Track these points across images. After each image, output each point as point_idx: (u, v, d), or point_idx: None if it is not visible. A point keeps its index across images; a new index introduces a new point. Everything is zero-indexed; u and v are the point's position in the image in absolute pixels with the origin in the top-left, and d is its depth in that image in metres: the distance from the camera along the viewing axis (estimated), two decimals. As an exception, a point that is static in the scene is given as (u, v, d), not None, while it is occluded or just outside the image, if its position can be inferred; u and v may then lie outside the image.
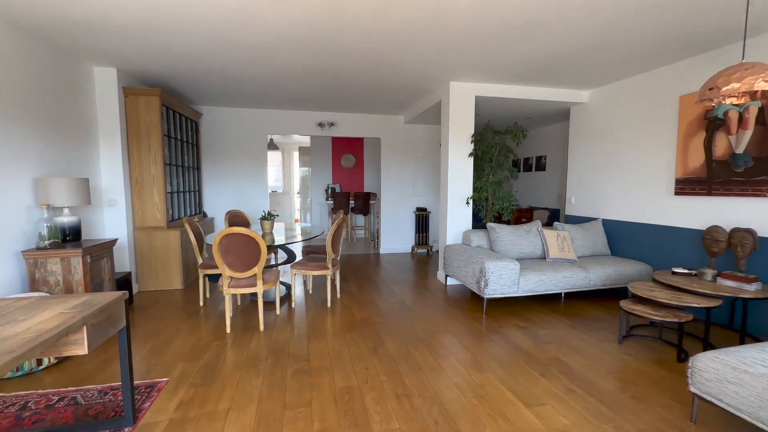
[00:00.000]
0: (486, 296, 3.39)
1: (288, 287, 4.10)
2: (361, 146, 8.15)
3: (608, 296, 4.03)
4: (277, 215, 4.13)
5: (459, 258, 3.88)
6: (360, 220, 8.39)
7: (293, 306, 3.67)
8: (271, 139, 8.29)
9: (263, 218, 3.92)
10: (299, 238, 3.66)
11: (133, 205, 4.10)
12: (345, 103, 5.32)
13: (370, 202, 7.67)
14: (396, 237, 6.59)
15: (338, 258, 3.83)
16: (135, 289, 4.10)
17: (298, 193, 9.91)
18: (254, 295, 3.95)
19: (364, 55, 3.34)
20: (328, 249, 3.53)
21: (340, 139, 8.00)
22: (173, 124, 4.54)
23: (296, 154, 9.85)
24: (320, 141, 7.96)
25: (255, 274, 3.02)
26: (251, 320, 3.30)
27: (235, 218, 4.64)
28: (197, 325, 3.21)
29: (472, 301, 3.84)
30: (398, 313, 3.49)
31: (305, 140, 9.30)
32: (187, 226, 3.56)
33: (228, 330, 3.04)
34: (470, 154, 4.32)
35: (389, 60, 3.48)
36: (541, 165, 6.70)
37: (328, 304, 3.69)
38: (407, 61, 3.50)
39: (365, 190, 8.27)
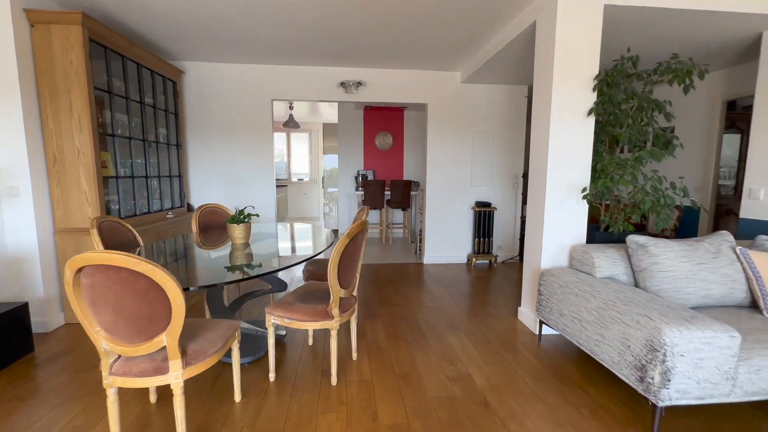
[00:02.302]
0: (661, 403, 1.57)
1: (265, 338, 2.45)
2: (400, 121, 6.40)
3: None
4: (256, 215, 2.55)
5: (578, 302, 2.07)
6: (398, 216, 6.69)
7: (271, 380, 2.07)
8: (291, 116, 6.80)
9: (233, 220, 2.35)
10: (303, 252, 2.04)
11: (51, 195, 2.70)
12: (376, 49, 3.59)
13: (412, 192, 5.94)
14: (446, 241, 4.82)
15: (355, 293, 2.17)
16: (58, 322, 2.72)
17: (323, 178, 8.37)
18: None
19: None
20: (332, 281, 1.87)
21: (374, 113, 6.30)
22: (130, 79, 3.08)
23: (320, 134, 8.31)
24: (349, 116, 6.31)
25: (164, 347, 1.43)
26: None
27: (210, 216, 3.13)
28: (92, 413, 1.71)
29: (607, 387, 2.02)
30: (464, 414, 1.77)
31: (331, 116, 7.63)
32: (94, 232, 2.06)
33: (117, 456, 1.50)
34: (590, 111, 2.45)
35: None
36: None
37: (334, 380, 2.05)
38: None
39: (405, 178, 6.54)
